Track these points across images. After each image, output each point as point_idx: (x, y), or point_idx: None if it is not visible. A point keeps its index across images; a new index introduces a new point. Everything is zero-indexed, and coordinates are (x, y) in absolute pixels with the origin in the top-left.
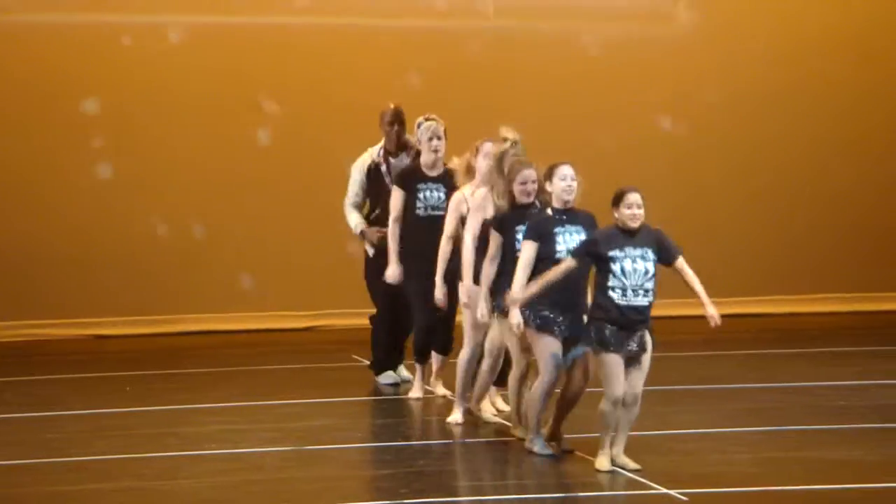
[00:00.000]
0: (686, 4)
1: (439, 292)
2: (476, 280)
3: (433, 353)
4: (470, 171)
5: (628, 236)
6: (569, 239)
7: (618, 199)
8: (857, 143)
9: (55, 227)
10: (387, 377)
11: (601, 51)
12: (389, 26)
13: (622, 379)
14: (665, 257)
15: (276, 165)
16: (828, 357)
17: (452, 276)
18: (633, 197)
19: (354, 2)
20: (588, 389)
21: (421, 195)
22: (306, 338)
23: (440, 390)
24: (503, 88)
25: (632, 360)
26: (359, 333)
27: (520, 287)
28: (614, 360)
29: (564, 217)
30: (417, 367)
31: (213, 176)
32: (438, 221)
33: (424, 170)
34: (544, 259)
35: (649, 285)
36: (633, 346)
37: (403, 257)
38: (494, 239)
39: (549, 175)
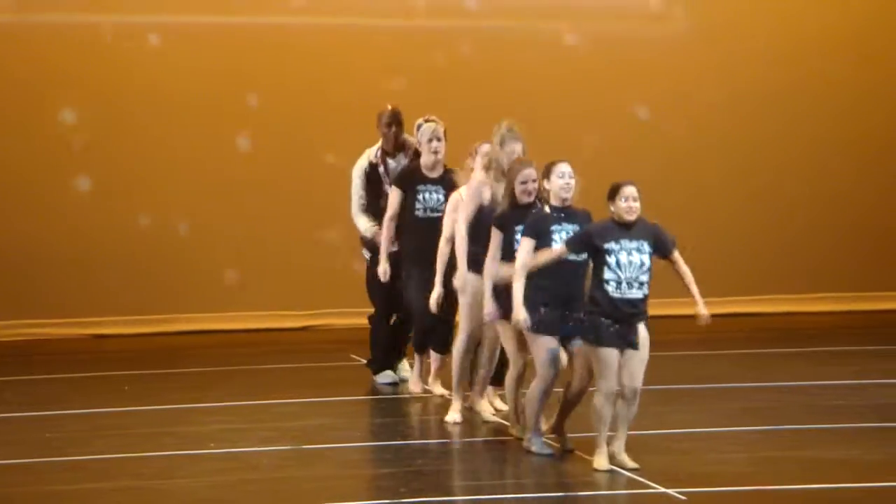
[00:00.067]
0: (686, 4)
1: (436, 294)
2: (470, 267)
3: (431, 353)
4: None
5: (624, 229)
6: (565, 237)
7: (614, 192)
8: (856, 143)
9: (55, 227)
10: (385, 377)
11: (601, 51)
12: (382, 26)
13: (616, 372)
14: (661, 250)
15: (275, 165)
16: (825, 356)
17: (451, 278)
18: (629, 190)
19: (345, 2)
20: (591, 389)
21: (420, 196)
22: (304, 337)
23: (438, 390)
24: (503, 88)
25: (631, 353)
26: (356, 333)
27: (519, 290)
28: (609, 354)
29: (562, 215)
30: (416, 357)
31: (212, 176)
32: (437, 223)
33: (424, 171)
34: None
35: (644, 278)
36: (633, 339)
37: (402, 258)
38: (495, 237)
39: (546, 173)
